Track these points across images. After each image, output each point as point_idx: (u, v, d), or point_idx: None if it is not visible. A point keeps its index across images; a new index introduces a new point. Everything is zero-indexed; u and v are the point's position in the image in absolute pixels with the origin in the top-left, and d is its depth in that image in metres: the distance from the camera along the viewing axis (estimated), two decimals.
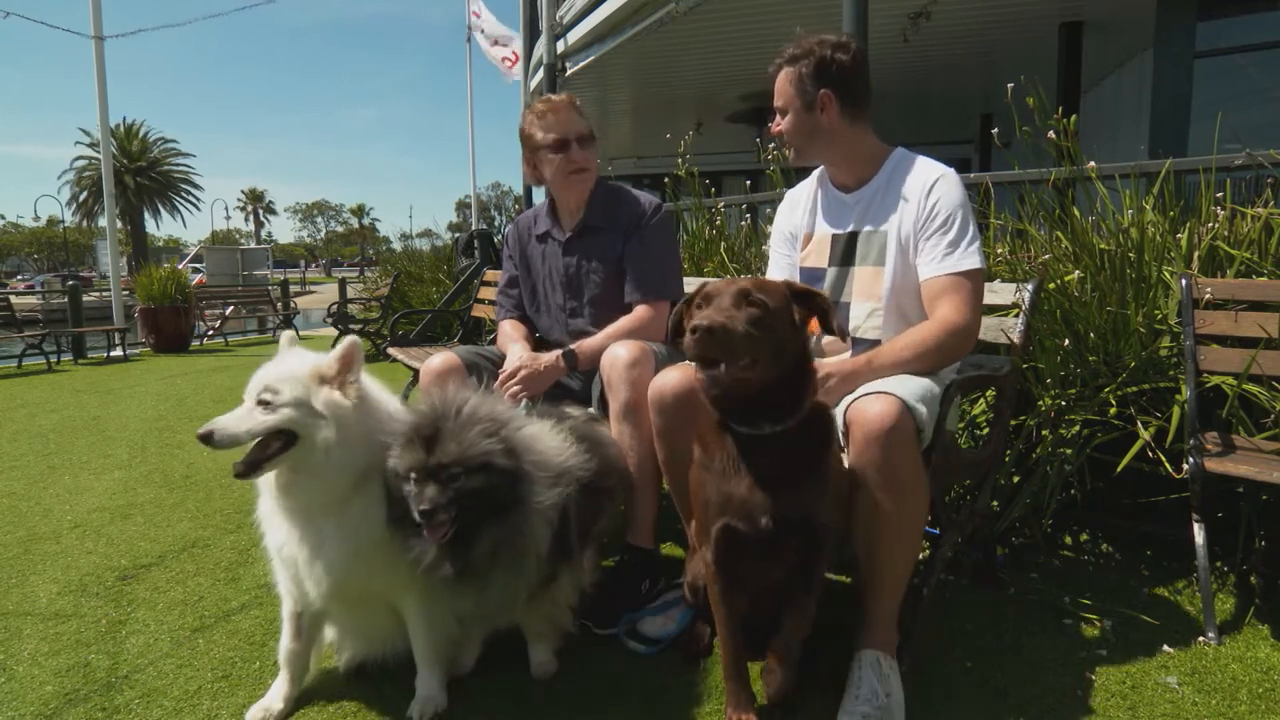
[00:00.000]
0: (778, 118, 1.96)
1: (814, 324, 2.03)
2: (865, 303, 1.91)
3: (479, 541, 1.53)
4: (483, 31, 12.88)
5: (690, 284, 3.23)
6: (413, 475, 1.49)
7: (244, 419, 1.50)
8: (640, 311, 2.27)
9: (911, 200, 1.85)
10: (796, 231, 2.09)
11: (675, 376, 1.88)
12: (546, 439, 1.73)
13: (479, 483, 1.49)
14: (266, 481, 1.59)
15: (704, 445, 1.56)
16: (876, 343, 1.87)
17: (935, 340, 1.74)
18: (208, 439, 1.47)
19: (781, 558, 1.53)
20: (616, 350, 2.04)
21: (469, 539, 1.52)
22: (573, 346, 2.19)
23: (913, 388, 1.63)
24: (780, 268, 2.12)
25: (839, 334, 1.57)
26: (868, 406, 1.55)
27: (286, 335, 1.70)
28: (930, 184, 1.84)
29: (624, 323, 2.25)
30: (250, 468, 1.50)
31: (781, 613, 1.67)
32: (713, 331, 1.34)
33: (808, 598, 1.59)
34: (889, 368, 1.72)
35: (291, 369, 1.55)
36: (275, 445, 1.51)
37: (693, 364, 1.48)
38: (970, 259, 1.79)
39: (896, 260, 1.86)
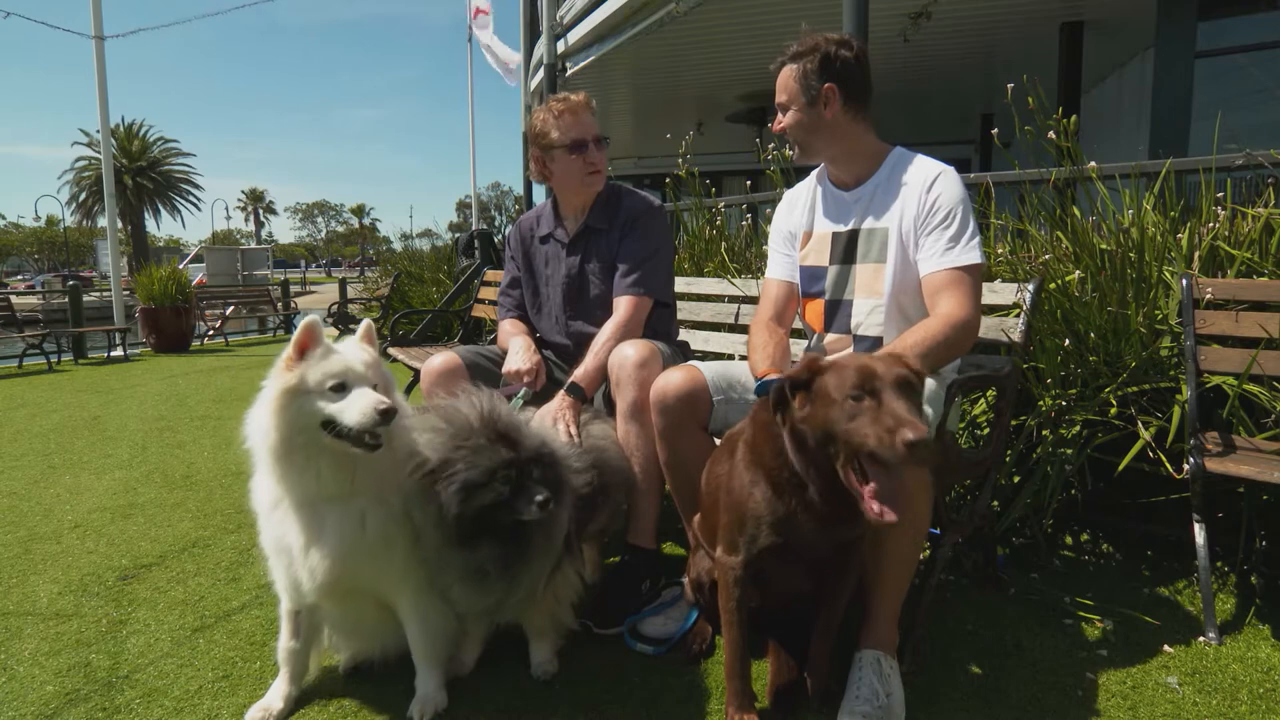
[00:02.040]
0: (779, 115, 1.96)
1: (815, 322, 2.04)
2: (867, 300, 1.92)
3: (534, 532, 1.58)
4: (489, 47, 12.85)
5: (690, 284, 3.24)
6: (501, 474, 1.52)
7: (388, 400, 1.53)
8: (623, 309, 2.24)
9: (912, 197, 1.85)
10: (795, 230, 2.09)
11: (678, 377, 1.88)
12: (553, 434, 1.75)
13: (544, 473, 1.57)
14: (301, 476, 1.54)
15: (763, 466, 1.50)
16: (878, 340, 1.87)
17: (940, 336, 1.74)
18: (390, 414, 1.50)
19: (820, 570, 1.54)
20: (625, 350, 2.03)
21: (524, 531, 1.57)
22: (574, 379, 2.10)
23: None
24: (780, 266, 2.12)
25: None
26: None
27: (328, 330, 1.69)
28: (931, 180, 1.84)
29: (609, 329, 2.20)
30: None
31: (794, 614, 1.68)
32: (928, 445, 1.26)
33: (839, 604, 1.60)
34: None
35: (372, 354, 1.62)
36: None
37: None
38: (971, 254, 1.79)
39: (897, 257, 1.86)
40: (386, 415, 1.48)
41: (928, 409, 1.59)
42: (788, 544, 1.47)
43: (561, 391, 2.06)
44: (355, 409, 1.49)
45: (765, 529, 1.48)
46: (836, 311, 1.96)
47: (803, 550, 1.47)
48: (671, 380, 1.88)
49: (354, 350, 1.59)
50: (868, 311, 1.91)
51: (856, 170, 1.96)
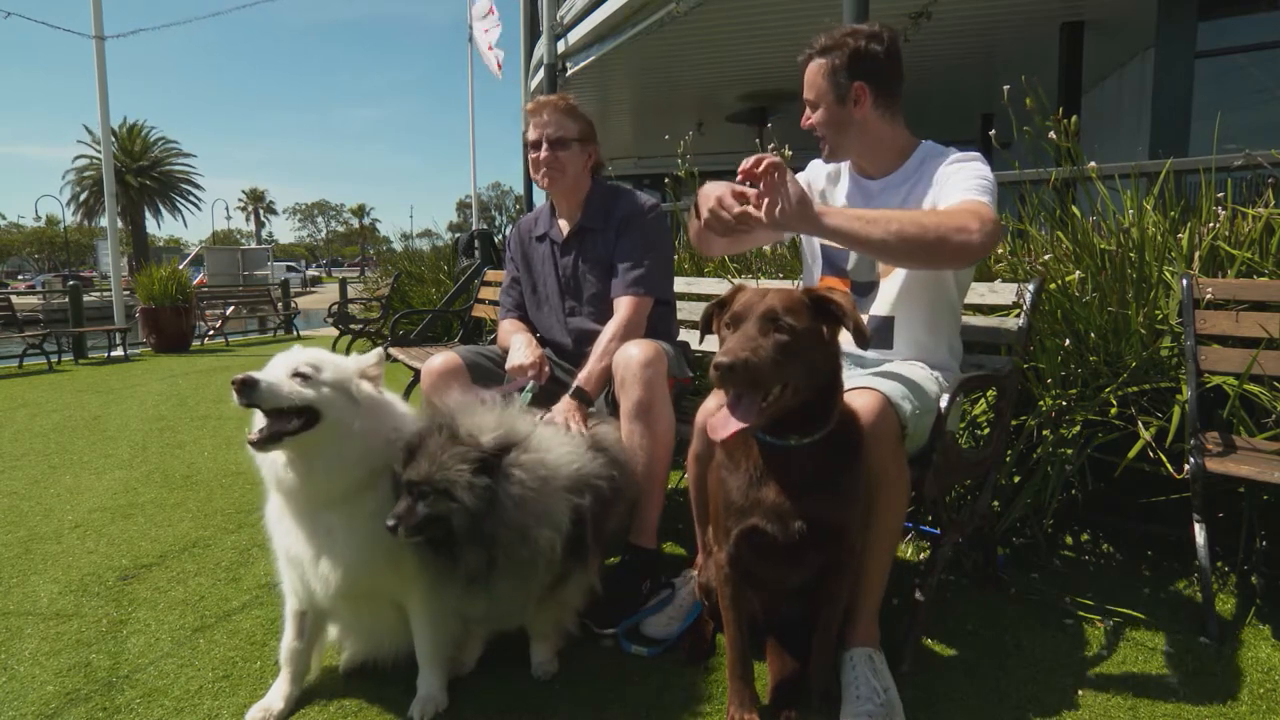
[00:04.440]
0: (808, 111, 1.93)
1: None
2: (891, 281, 1.91)
3: (467, 554, 1.53)
4: (484, 33, 12.86)
5: (690, 284, 3.24)
6: (408, 486, 1.52)
7: (285, 383, 1.49)
8: (624, 310, 2.24)
9: (940, 176, 1.81)
10: (815, 189, 2.07)
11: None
12: (560, 448, 1.70)
13: (441, 507, 1.49)
14: (276, 480, 1.57)
15: (728, 451, 1.54)
16: (889, 318, 1.88)
17: (938, 223, 1.62)
18: (249, 386, 1.44)
19: (804, 562, 1.53)
20: (629, 350, 2.03)
21: (455, 551, 1.53)
22: (578, 383, 2.10)
23: (900, 385, 1.64)
24: None
25: (858, 336, 1.46)
26: (851, 402, 1.56)
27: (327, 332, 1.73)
28: (959, 156, 1.83)
29: (611, 329, 2.21)
30: (272, 439, 1.49)
31: (791, 614, 1.68)
32: (734, 370, 1.31)
33: (838, 602, 1.59)
34: (887, 220, 1.61)
35: (332, 355, 1.60)
36: (295, 423, 1.50)
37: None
38: (991, 209, 1.69)
39: None
40: (239, 388, 1.44)
41: (906, 405, 1.61)
42: (761, 530, 1.47)
43: (566, 395, 2.06)
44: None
45: (735, 513, 1.50)
46: (869, 292, 1.94)
47: (777, 533, 1.46)
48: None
49: (308, 349, 1.60)
50: (891, 291, 1.91)
51: (884, 164, 1.94)
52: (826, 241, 2.03)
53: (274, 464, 1.56)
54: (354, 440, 1.55)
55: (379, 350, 1.69)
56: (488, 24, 12.89)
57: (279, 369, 1.52)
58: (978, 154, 1.85)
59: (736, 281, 3.08)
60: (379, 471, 1.60)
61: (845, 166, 2.05)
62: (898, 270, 1.88)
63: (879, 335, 1.88)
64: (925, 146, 1.93)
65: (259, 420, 1.52)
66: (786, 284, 2.83)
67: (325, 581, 1.56)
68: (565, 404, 2.02)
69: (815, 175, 2.11)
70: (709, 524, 1.87)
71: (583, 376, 2.12)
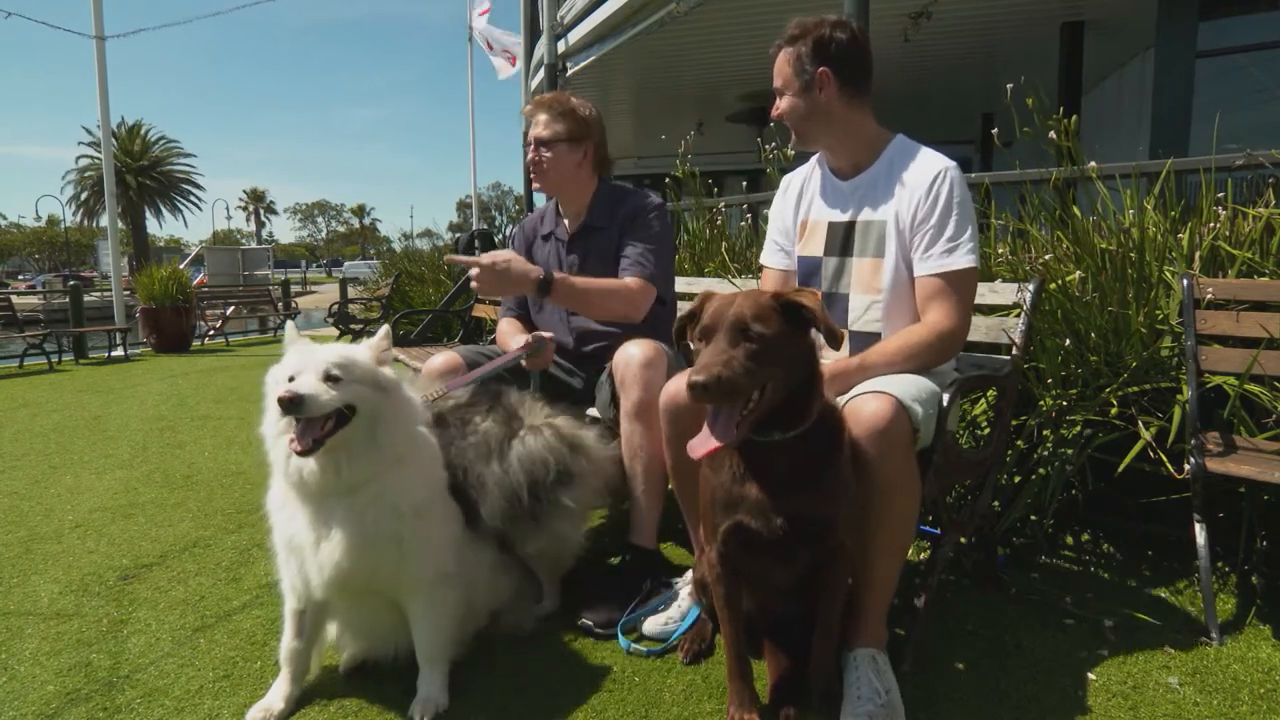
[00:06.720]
0: (776, 100, 1.93)
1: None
2: (864, 295, 1.89)
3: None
4: (488, 41, 12.86)
5: (691, 284, 3.25)
6: None
7: (323, 390, 1.50)
8: (630, 281, 2.26)
9: (912, 192, 1.81)
10: (792, 217, 2.06)
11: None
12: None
13: None
14: (293, 470, 1.55)
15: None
16: (875, 335, 1.86)
17: (926, 344, 1.75)
18: (296, 403, 1.45)
19: (791, 558, 1.53)
20: (630, 349, 2.04)
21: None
22: (555, 274, 2.14)
23: (909, 387, 1.63)
24: (775, 256, 2.09)
25: (829, 337, 1.46)
26: (863, 405, 1.55)
27: (291, 326, 1.72)
28: (932, 177, 1.80)
29: (613, 281, 2.25)
30: (316, 444, 1.50)
31: (788, 613, 1.68)
32: (708, 387, 1.32)
33: (835, 598, 1.58)
34: (880, 369, 1.73)
35: (351, 350, 1.62)
36: (329, 424, 1.52)
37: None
38: (965, 258, 1.77)
39: (896, 253, 1.83)
40: (286, 405, 1.44)
41: (918, 408, 1.59)
42: (746, 526, 1.47)
43: (537, 268, 2.13)
44: (270, 396, 1.51)
45: (721, 509, 1.51)
46: (832, 306, 1.92)
47: (761, 528, 1.46)
48: (682, 386, 1.84)
49: (320, 346, 1.61)
50: (864, 308, 1.89)
51: (855, 158, 1.92)
52: (804, 253, 2.02)
53: (292, 456, 1.54)
54: (385, 425, 1.59)
55: (385, 327, 1.71)
56: (484, 26, 12.88)
57: (309, 374, 1.51)
58: (949, 168, 1.82)
59: (705, 288, 3.08)
60: (400, 455, 1.62)
61: (818, 167, 2.04)
62: (870, 287, 1.88)
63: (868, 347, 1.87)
64: (897, 142, 1.91)
65: (270, 419, 1.56)
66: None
67: (323, 568, 1.55)
68: (523, 268, 2.11)
69: (790, 195, 2.09)
70: (698, 520, 1.88)
71: (566, 276, 2.18)
